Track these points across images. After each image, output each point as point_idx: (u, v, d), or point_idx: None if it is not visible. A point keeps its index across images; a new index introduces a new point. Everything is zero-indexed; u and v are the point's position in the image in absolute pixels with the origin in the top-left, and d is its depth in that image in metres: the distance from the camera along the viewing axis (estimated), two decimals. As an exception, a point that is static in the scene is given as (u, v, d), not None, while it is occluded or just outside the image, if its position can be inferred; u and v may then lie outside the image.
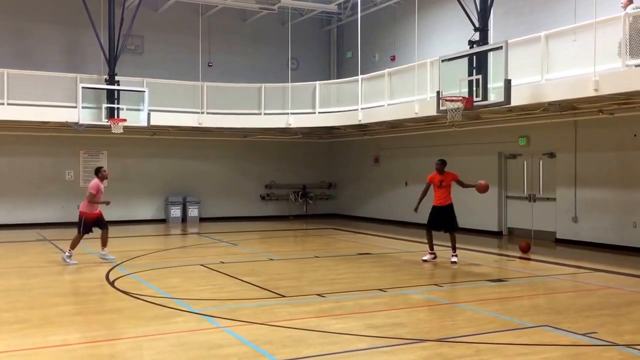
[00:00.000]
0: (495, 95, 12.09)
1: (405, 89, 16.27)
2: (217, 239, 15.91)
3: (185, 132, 20.29)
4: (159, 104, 18.22)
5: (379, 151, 20.93)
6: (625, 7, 11.64)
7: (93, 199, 11.50)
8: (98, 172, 11.83)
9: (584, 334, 6.55)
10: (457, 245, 11.79)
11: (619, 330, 6.75)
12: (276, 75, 21.08)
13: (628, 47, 10.70)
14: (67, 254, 11.47)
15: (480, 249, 13.62)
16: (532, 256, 12.67)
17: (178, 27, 20.86)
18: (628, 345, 6.15)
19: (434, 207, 11.83)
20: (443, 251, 12.16)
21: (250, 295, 8.69)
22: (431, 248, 11.87)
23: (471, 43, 12.90)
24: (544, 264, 11.69)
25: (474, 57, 12.47)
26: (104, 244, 11.72)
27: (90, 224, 11.60)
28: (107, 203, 11.74)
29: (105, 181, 12.01)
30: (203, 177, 21.31)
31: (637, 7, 11.53)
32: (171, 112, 18.67)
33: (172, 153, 20.90)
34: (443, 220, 11.70)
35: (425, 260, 11.74)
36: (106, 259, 11.58)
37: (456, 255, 11.66)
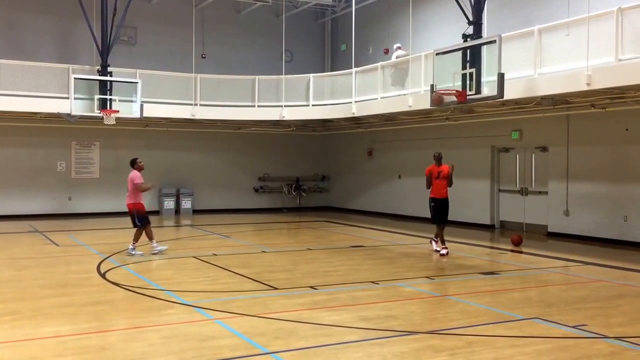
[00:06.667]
0: (488, 88, 12.09)
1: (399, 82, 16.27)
2: (210, 231, 15.90)
3: (178, 124, 20.22)
4: (152, 95, 18.13)
5: (373, 144, 20.93)
6: (396, 50, 16.71)
7: (140, 188, 11.36)
8: (134, 164, 11.62)
9: (574, 327, 6.59)
10: (449, 238, 11.89)
11: (608, 323, 6.80)
12: (270, 68, 21.01)
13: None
14: (131, 246, 11.33)
15: (472, 242, 13.67)
16: (524, 249, 12.73)
17: (171, 18, 20.74)
18: (617, 338, 6.20)
19: (433, 200, 11.92)
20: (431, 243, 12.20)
21: (243, 287, 8.70)
22: (443, 242, 11.93)
23: (465, 37, 12.90)
24: (535, 257, 11.75)
25: (468, 50, 12.46)
26: (150, 237, 11.54)
27: (142, 214, 11.43)
28: (150, 187, 11.79)
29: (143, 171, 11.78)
30: (196, 169, 21.26)
31: (403, 53, 16.28)
32: (164, 103, 18.59)
33: (165, 145, 20.83)
34: (443, 214, 11.90)
35: (443, 255, 11.63)
36: (157, 251, 11.39)
37: (446, 248, 11.86)
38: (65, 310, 7.32)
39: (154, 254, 11.31)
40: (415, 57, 15.65)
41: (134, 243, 11.34)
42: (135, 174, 11.47)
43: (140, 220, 11.41)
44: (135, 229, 11.46)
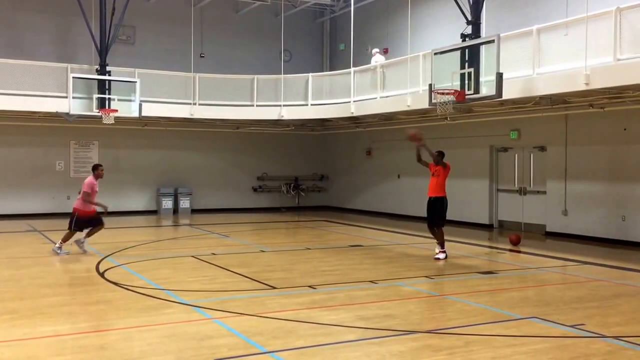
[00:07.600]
0: (487, 88, 12.11)
1: (398, 82, 16.29)
2: (208, 230, 15.90)
3: (177, 123, 20.21)
4: (151, 94, 18.14)
5: (372, 144, 20.94)
6: (374, 55, 17.56)
7: (88, 198, 11.24)
8: (95, 169, 11.50)
9: (572, 326, 6.60)
10: (446, 238, 11.48)
11: (606, 322, 6.81)
12: (269, 67, 21.01)
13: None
14: (57, 245, 11.37)
15: (471, 242, 13.69)
16: (522, 249, 12.75)
17: (170, 18, 20.73)
18: (615, 337, 6.21)
19: (428, 198, 11.31)
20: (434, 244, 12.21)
21: (242, 286, 8.70)
22: (441, 245, 11.15)
23: (463, 36, 12.92)
24: (533, 257, 11.77)
25: (467, 50, 12.48)
26: (89, 234, 11.52)
27: (82, 221, 11.31)
28: (105, 209, 11.36)
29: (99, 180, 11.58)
30: (195, 168, 21.25)
31: (382, 58, 17.40)
32: (163, 103, 18.59)
33: (164, 144, 20.83)
34: (432, 214, 11.27)
35: (437, 259, 10.98)
36: (80, 248, 11.31)
37: (443, 252, 11.11)
38: (64, 309, 7.32)
39: (55, 251, 11.18)
40: (414, 57, 15.68)
41: (61, 243, 11.28)
42: (89, 181, 11.30)
43: (77, 225, 11.25)
44: (68, 231, 11.34)
